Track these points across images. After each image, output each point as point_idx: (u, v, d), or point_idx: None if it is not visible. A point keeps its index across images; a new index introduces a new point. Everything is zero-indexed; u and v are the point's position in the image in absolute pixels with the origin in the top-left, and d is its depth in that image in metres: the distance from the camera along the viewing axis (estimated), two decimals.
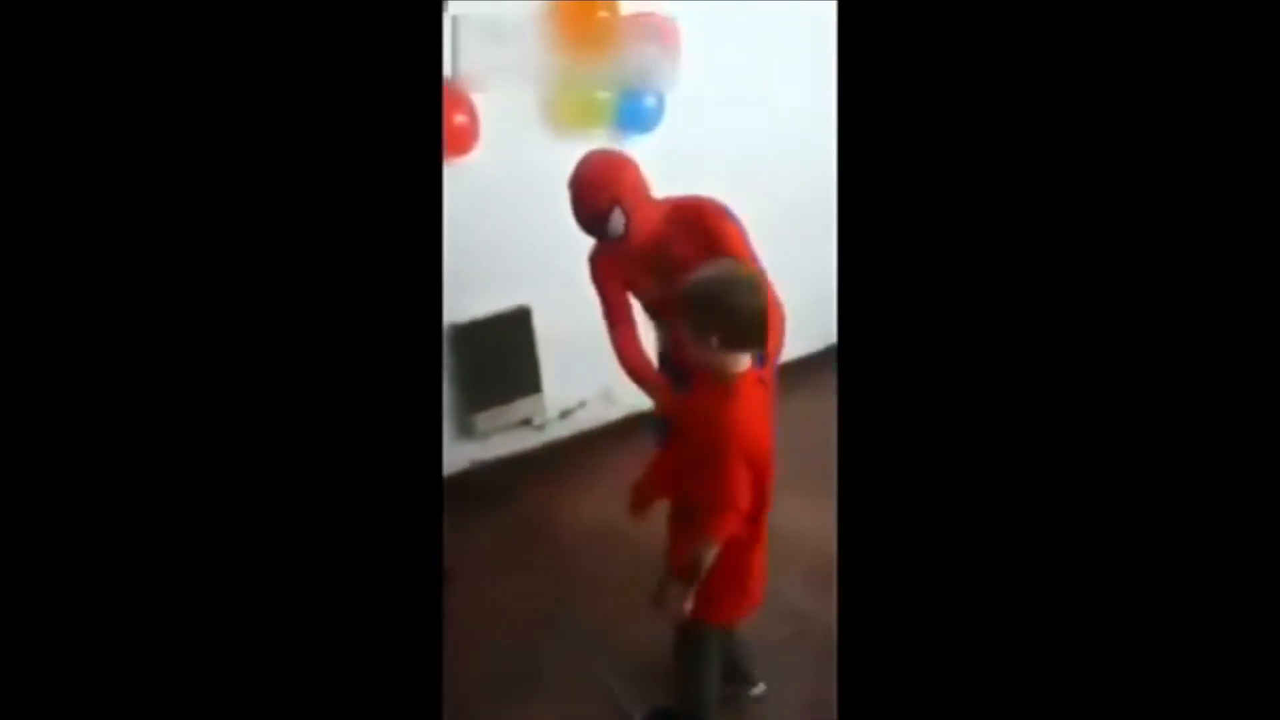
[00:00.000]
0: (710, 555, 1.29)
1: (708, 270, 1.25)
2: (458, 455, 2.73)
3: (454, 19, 2.39)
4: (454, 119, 2.27)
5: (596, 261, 1.85)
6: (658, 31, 2.52)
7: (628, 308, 1.87)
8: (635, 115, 2.64)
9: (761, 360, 1.51)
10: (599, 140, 2.60)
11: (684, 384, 1.89)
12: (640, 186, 1.67)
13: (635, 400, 3.15)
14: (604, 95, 2.55)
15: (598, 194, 1.61)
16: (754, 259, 1.75)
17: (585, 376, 2.90)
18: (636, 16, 2.48)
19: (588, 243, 2.70)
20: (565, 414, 2.95)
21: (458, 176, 2.22)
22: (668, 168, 2.83)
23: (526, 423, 2.88)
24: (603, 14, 2.45)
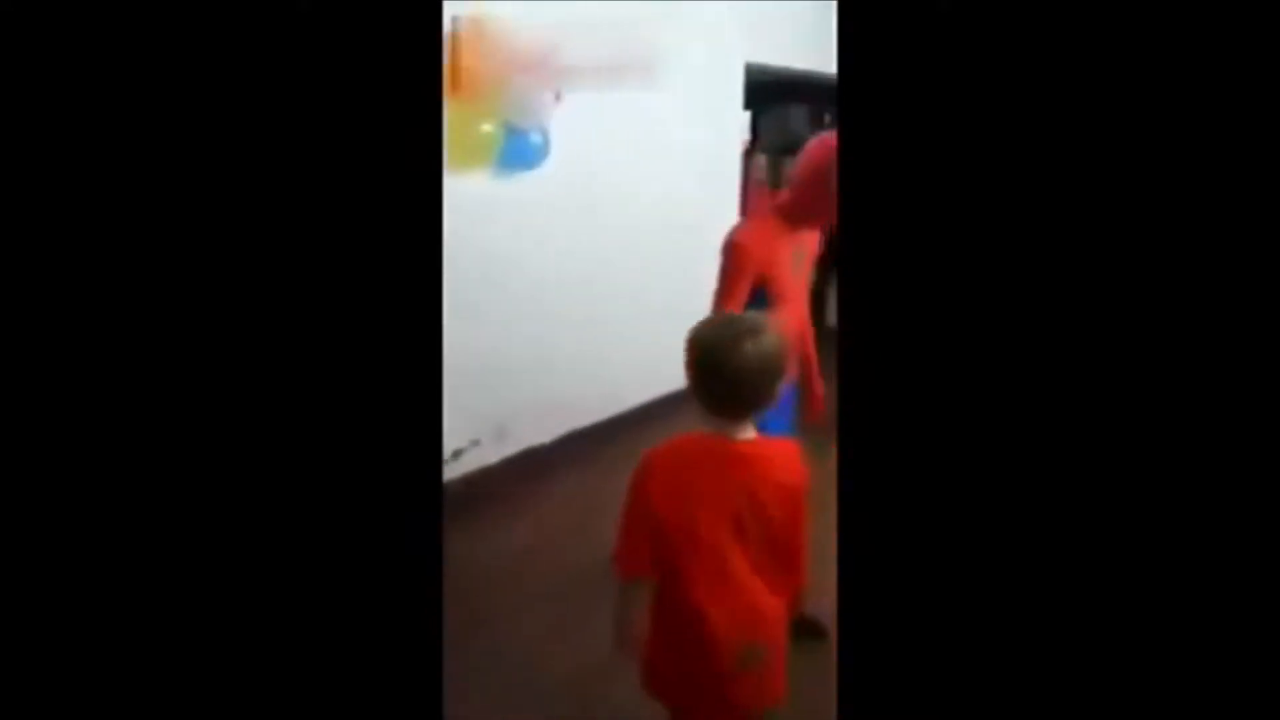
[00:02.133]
0: (630, 602, 1.20)
1: (701, 325, 1.15)
2: None
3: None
4: None
5: (744, 243, 1.74)
6: (544, 69, 2.55)
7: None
8: (520, 152, 2.65)
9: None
10: (482, 175, 2.60)
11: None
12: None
13: (531, 437, 3.13)
14: (488, 130, 2.54)
15: (814, 159, 1.68)
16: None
17: (478, 413, 2.84)
18: (523, 51, 2.49)
19: (480, 275, 2.68)
20: (457, 454, 2.87)
21: None
22: (554, 205, 2.87)
23: None
24: (488, 51, 2.45)
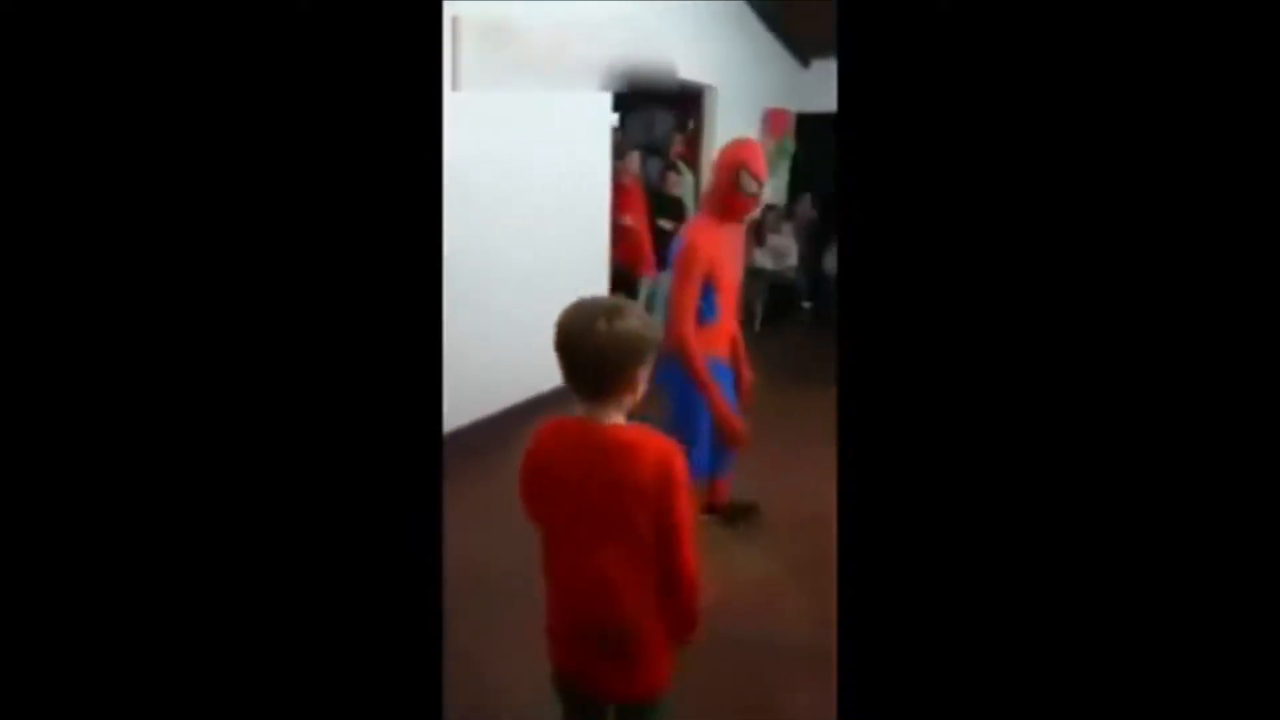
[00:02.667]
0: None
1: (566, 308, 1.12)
2: None
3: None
4: None
5: (696, 242, 1.96)
6: None
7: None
8: None
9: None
10: None
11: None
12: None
13: None
14: None
15: (724, 161, 1.99)
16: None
17: None
18: None
19: None
20: None
21: None
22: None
23: None
24: None
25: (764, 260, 5.38)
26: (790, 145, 5.87)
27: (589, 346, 1.04)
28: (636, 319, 1.07)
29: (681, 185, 4.62)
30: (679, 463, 1.07)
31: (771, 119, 5.57)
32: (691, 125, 5.05)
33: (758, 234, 5.43)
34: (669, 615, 1.13)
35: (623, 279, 4.23)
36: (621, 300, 1.11)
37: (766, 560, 2.48)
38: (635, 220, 4.20)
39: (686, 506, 1.07)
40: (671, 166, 4.60)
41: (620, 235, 4.13)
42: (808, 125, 5.90)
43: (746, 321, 5.45)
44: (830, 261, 5.47)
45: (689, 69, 4.39)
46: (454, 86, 2.42)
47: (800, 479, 2.99)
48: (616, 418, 1.11)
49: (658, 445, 1.08)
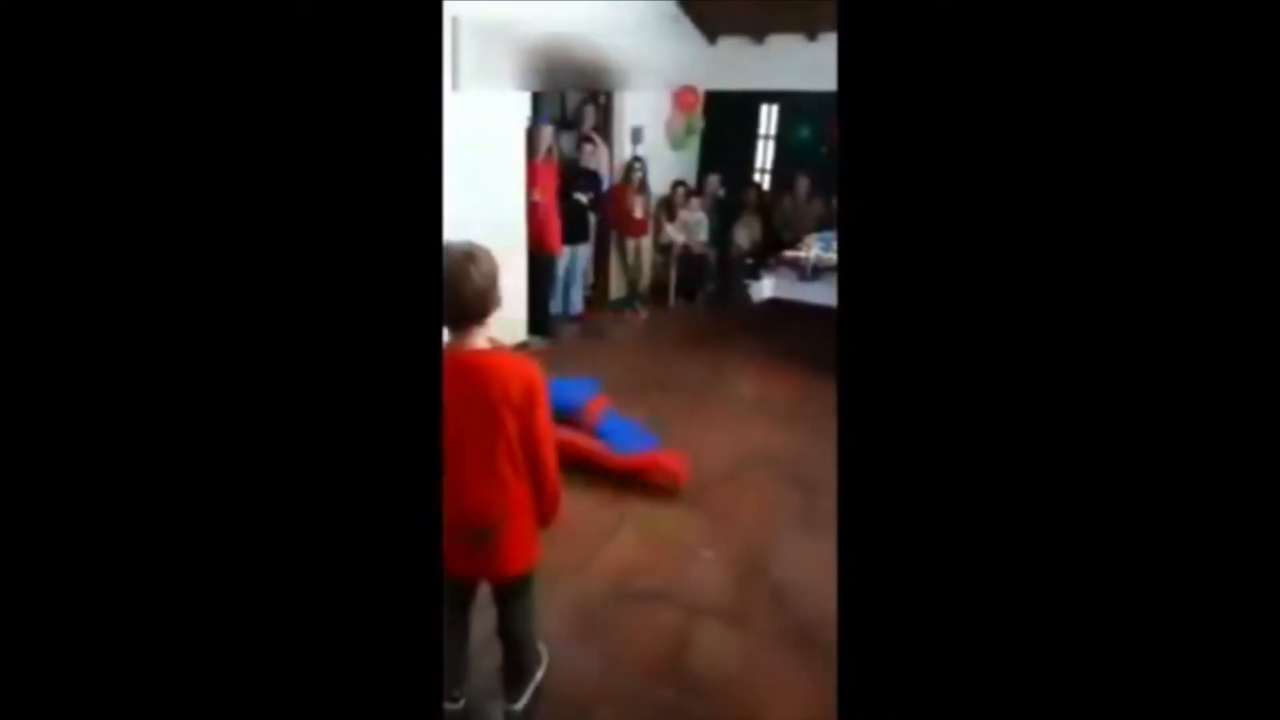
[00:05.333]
0: None
1: None
2: None
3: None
4: None
5: None
6: None
7: None
8: None
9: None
10: None
11: None
12: None
13: None
14: None
15: None
16: None
17: None
18: None
19: None
20: None
21: None
22: None
23: None
24: None
25: (676, 235, 5.51)
26: (698, 122, 6.00)
27: (468, 286, 1.26)
28: (485, 258, 1.29)
29: (596, 157, 4.66)
30: (540, 379, 1.33)
31: (680, 96, 5.67)
32: (603, 99, 5.09)
33: (669, 210, 5.54)
34: (537, 503, 1.42)
35: (536, 256, 4.24)
36: (469, 243, 1.31)
37: (677, 521, 2.60)
38: (543, 195, 4.20)
39: (546, 413, 1.35)
40: (587, 139, 4.63)
41: (528, 211, 4.14)
42: (714, 102, 6.04)
43: (661, 295, 5.59)
44: (740, 235, 5.66)
45: (600, 45, 4.42)
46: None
47: (715, 444, 3.16)
48: (483, 343, 1.32)
49: (524, 366, 1.34)
